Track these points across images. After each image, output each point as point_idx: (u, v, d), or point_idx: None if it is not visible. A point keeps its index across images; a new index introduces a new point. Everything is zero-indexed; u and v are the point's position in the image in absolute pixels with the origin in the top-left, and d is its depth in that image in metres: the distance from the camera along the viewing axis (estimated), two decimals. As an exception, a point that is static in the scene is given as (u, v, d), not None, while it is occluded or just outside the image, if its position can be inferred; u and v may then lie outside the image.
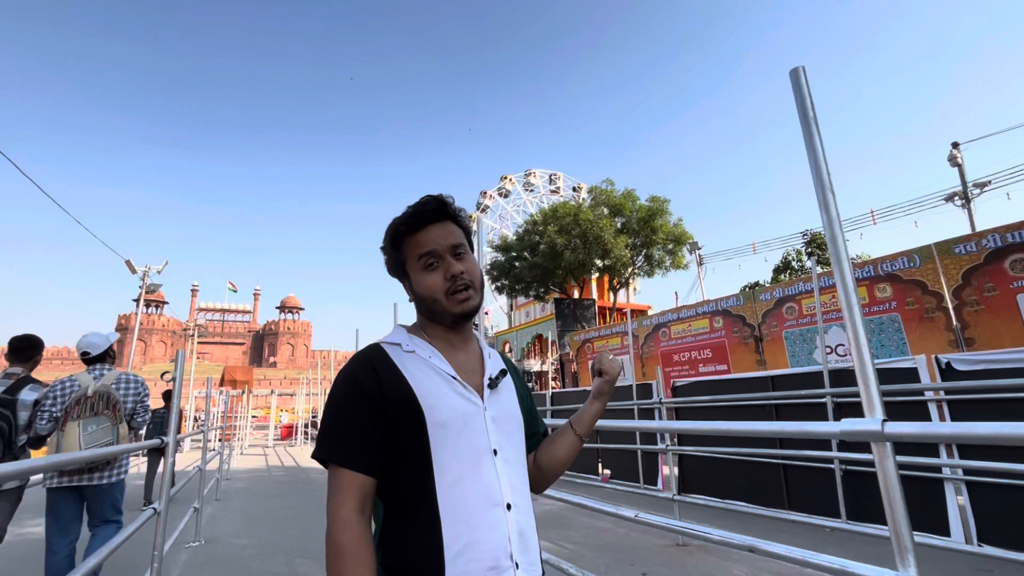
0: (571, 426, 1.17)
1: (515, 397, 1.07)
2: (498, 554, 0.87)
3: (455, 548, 0.85)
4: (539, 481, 1.15)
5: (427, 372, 0.95)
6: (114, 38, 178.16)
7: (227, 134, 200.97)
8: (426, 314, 1.03)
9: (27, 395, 3.36)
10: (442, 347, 1.01)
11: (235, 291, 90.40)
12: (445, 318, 1.00)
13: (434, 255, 0.99)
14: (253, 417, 26.60)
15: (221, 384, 21.54)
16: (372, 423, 0.89)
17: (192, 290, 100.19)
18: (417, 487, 0.88)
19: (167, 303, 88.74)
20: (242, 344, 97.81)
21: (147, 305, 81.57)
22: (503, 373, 1.05)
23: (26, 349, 3.56)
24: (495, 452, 0.94)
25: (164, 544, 2.75)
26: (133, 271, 17.17)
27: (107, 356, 3.63)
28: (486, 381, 1.01)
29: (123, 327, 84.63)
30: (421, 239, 1.00)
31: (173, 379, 2.91)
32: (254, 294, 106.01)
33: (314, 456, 0.91)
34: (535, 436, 1.16)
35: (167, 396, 9.65)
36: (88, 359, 3.58)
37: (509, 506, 0.91)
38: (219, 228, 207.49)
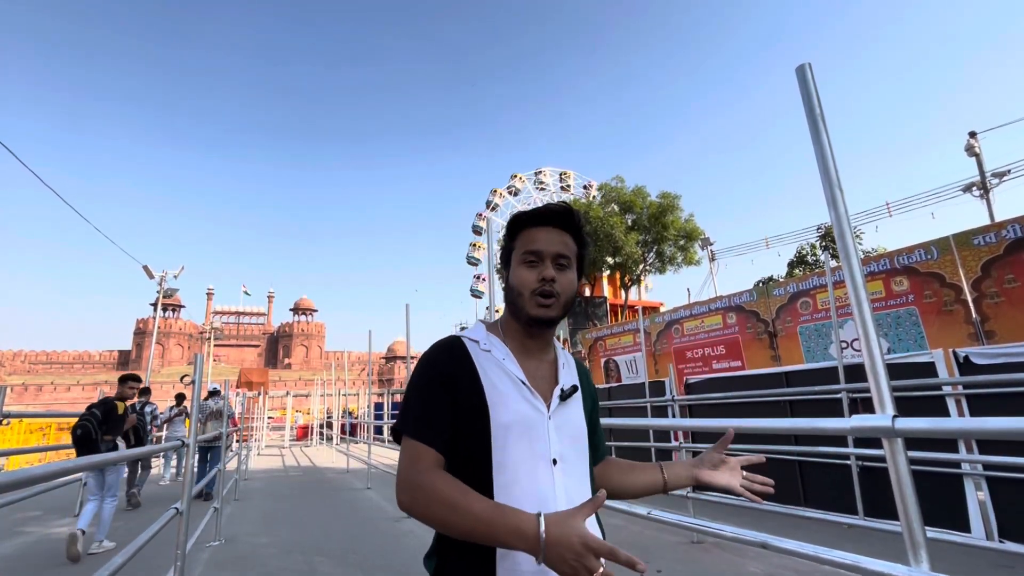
0: (662, 471, 1.17)
1: (582, 411, 1.07)
2: None
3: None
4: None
5: (498, 373, 0.98)
6: (123, 32, 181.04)
7: (238, 135, 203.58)
8: (510, 308, 1.06)
9: (147, 409, 8.04)
10: (517, 350, 1.04)
11: (248, 295, 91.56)
12: (522, 316, 1.02)
13: (537, 255, 1.02)
14: (269, 418, 26.95)
15: (238, 386, 21.87)
16: (446, 405, 0.95)
17: (207, 293, 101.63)
18: (475, 482, 0.90)
19: (183, 307, 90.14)
20: (257, 346, 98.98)
21: (164, 309, 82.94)
22: (574, 388, 1.05)
23: (147, 391, 8.33)
24: (555, 461, 0.94)
25: (187, 543, 2.82)
26: (151, 276, 17.46)
27: (218, 392, 8.57)
28: (557, 391, 1.01)
29: (141, 331, 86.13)
30: (533, 236, 1.04)
31: (192, 382, 2.98)
32: (268, 296, 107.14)
33: (393, 428, 1.00)
34: (596, 452, 1.14)
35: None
36: (211, 392, 8.92)
37: None
38: (233, 230, 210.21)
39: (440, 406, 0.95)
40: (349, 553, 4.82)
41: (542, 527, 0.79)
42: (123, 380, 6.00)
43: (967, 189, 16.95)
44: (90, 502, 5.23)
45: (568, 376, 1.07)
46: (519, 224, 1.08)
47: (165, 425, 10.34)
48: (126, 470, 7.85)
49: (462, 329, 1.28)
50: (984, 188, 16.21)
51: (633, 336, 14.02)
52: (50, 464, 1.44)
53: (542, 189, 46.78)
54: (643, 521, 4.09)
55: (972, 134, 16.22)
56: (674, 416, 6.22)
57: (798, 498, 5.69)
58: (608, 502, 2.52)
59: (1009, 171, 16.24)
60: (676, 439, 7.03)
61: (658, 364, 12.95)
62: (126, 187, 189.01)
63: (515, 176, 47.01)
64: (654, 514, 2.22)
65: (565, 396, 1.01)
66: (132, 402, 6.67)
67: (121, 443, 5.79)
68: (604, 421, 2.94)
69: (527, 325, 1.03)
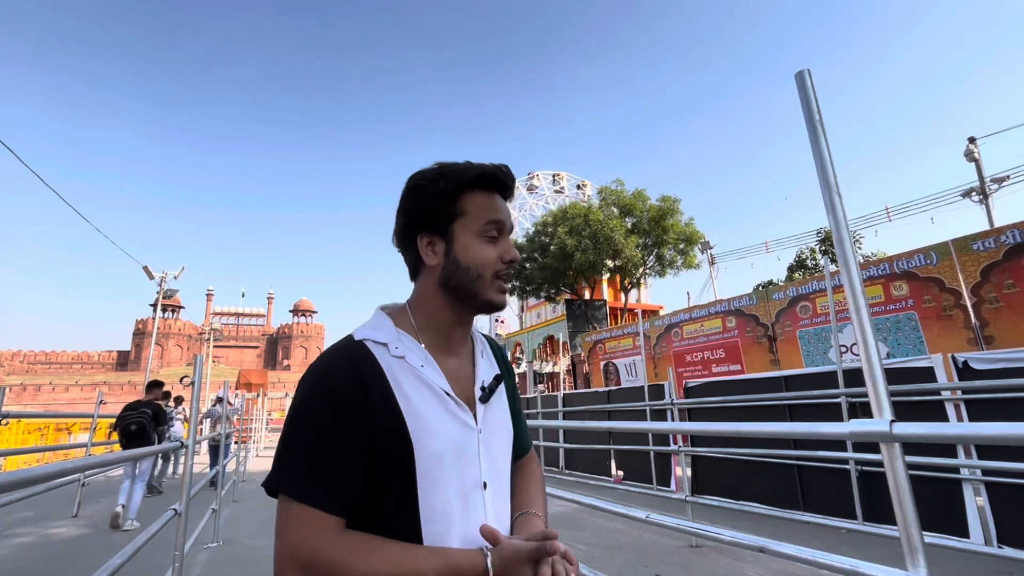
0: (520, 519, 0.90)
1: (507, 405, 0.91)
2: None
3: None
4: None
5: (419, 388, 0.77)
6: (121, 29, 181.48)
7: (238, 135, 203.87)
8: (451, 291, 0.82)
9: (168, 410, 7.92)
10: (438, 347, 0.83)
11: (244, 295, 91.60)
12: (474, 302, 0.83)
13: (501, 228, 0.83)
14: (268, 419, 26.89)
15: (237, 387, 21.82)
16: (350, 448, 0.71)
17: (207, 294, 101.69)
18: (400, 533, 0.73)
19: (183, 308, 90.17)
20: (256, 347, 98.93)
21: (164, 310, 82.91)
22: (497, 380, 0.88)
23: (167, 395, 8.50)
24: (484, 485, 0.80)
25: (185, 545, 2.82)
26: (151, 277, 17.47)
27: (221, 400, 8.04)
28: (477, 392, 0.84)
29: (140, 332, 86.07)
30: (491, 203, 0.83)
31: (192, 383, 2.98)
32: (268, 297, 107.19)
33: (266, 484, 0.72)
34: (516, 453, 0.96)
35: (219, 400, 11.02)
36: (217, 399, 9.77)
37: None
38: (234, 231, 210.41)
39: (341, 450, 0.71)
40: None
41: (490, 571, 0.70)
42: (152, 387, 7.11)
43: (966, 194, 16.99)
44: (125, 480, 6.27)
45: (487, 367, 0.89)
46: (464, 184, 0.82)
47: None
48: (161, 462, 9.73)
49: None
50: (983, 193, 16.24)
51: (633, 339, 14.03)
52: (50, 464, 1.44)
53: (534, 192, 46.82)
54: (642, 524, 4.08)
55: (971, 139, 16.25)
56: (673, 420, 6.21)
57: (796, 503, 5.69)
58: (607, 505, 2.51)
59: (1008, 176, 16.28)
60: (675, 442, 7.02)
61: (657, 367, 12.95)
62: (126, 187, 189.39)
63: None
64: (652, 518, 2.22)
65: (487, 396, 0.84)
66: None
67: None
68: (604, 424, 2.95)
69: (478, 312, 0.85)
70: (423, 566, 0.68)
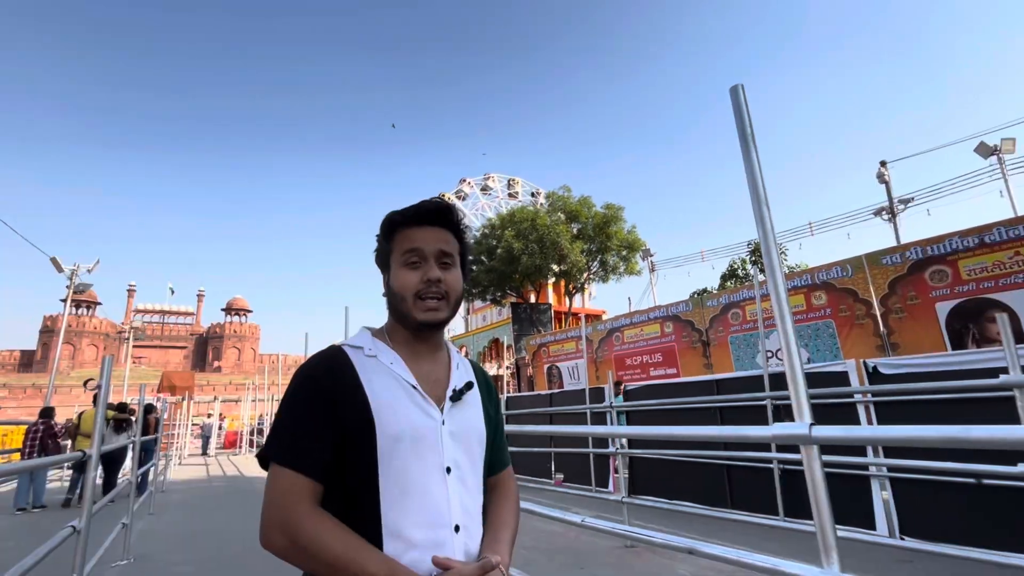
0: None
1: (481, 412, 1.03)
2: None
3: None
4: None
5: (386, 380, 0.92)
6: (46, 32, 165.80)
7: (199, 131, 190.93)
8: (394, 313, 1.00)
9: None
10: (406, 354, 0.98)
11: (173, 292, 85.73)
12: (409, 322, 0.97)
13: (418, 254, 0.97)
14: (194, 425, 25.22)
15: (159, 390, 20.31)
16: (325, 425, 0.87)
17: (128, 290, 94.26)
18: (361, 502, 0.86)
19: (100, 304, 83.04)
20: (184, 348, 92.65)
21: (76, 306, 76.01)
22: (468, 386, 1.01)
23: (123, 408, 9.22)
24: (448, 470, 0.91)
25: (85, 565, 2.55)
26: (60, 270, 15.98)
27: (152, 408, 9.37)
28: (449, 393, 0.98)
29: (49, 329, 78.54)
30: (412, 235, 0.98)
31: (99, 387, 2.72)
32: (198, 295, 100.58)
33: (259, 455, 0.88)
34: (492, 465, 1.07)
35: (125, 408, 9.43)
36: (147, 408, 9.45)
37: (458, 528, 0.89)
38: (162, 228, 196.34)
39: (317, 426, 0.86)
40: (276, 571, 4.56)
41: None
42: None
43: (878, 213, 18.53)
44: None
45: (461, 376, 1.04)
46: (395, 224, 1.00)
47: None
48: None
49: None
50: (892, 212, 17.78)
51: (576, 343, 14.28)
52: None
53: (488, 194, 46.90)
54: (578, 527, 4.12)
55: (883, 163, 17.77)
56: (613, 423, 6.35)
57: (725, 501, 5.95)
58: (544, 510, 2.51)
59: (913, 198, 17.91)
60: (614, 444, 7.18)
61: (599, 370, 13.24)
62: (39, 177, 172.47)
63: (463, 181, 46.87)
64: (588, 522, 2.23)
65: (458, 396, 0.98)
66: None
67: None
68: (546, 428, 2.97)
69: (416, 331, 0.98)
70: (370, 568, 0.79)
